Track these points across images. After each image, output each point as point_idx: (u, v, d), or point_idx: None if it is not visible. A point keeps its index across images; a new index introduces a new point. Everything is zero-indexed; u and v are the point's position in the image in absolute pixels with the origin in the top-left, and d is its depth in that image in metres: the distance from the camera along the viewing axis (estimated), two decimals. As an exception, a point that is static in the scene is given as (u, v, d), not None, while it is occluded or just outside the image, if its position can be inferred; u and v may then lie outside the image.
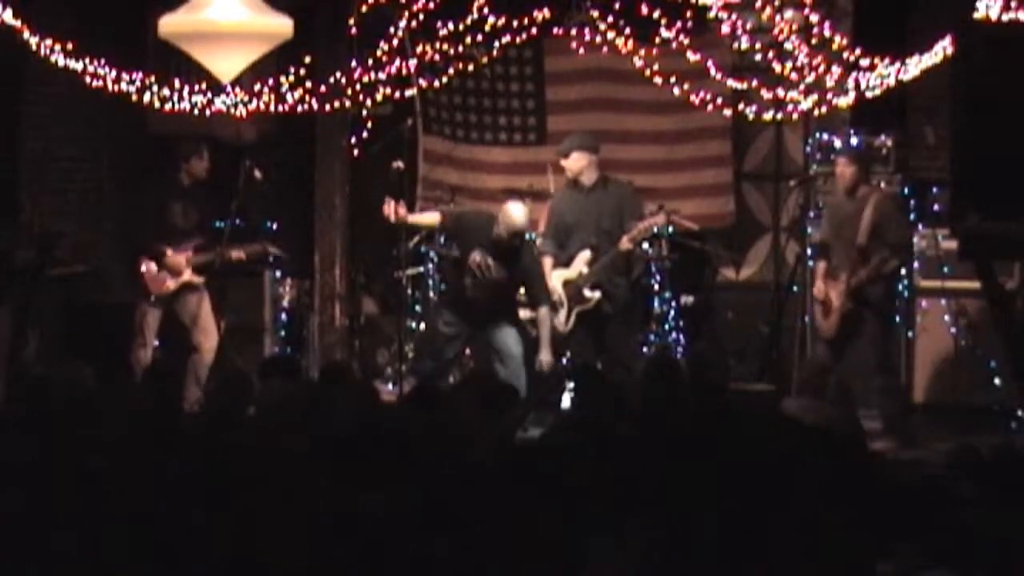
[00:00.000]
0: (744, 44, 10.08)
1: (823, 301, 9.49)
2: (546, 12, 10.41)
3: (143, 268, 9.90)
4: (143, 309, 9.95)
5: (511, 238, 9.40)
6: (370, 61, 10.31)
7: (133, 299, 10.08)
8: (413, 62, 10.52)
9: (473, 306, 9.55)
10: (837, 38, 9.68)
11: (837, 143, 10.56)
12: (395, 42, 10.34)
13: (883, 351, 9.51)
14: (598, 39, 10.51)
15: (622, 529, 4.50)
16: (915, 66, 9.30)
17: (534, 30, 10.49)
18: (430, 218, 9.90)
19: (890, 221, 9.44)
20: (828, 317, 9.46)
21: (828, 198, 10.02)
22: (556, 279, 9.80)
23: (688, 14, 10.06)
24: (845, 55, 9.56)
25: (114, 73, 10.04)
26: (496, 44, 10.46)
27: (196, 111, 10.20)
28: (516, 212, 9.44)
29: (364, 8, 10.36)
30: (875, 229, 9.35)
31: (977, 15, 8.40)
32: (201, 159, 10.00)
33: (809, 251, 10.36)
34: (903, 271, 10.22)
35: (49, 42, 9.85)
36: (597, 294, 9.72)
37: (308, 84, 10.22)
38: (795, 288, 10.59)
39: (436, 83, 11.02)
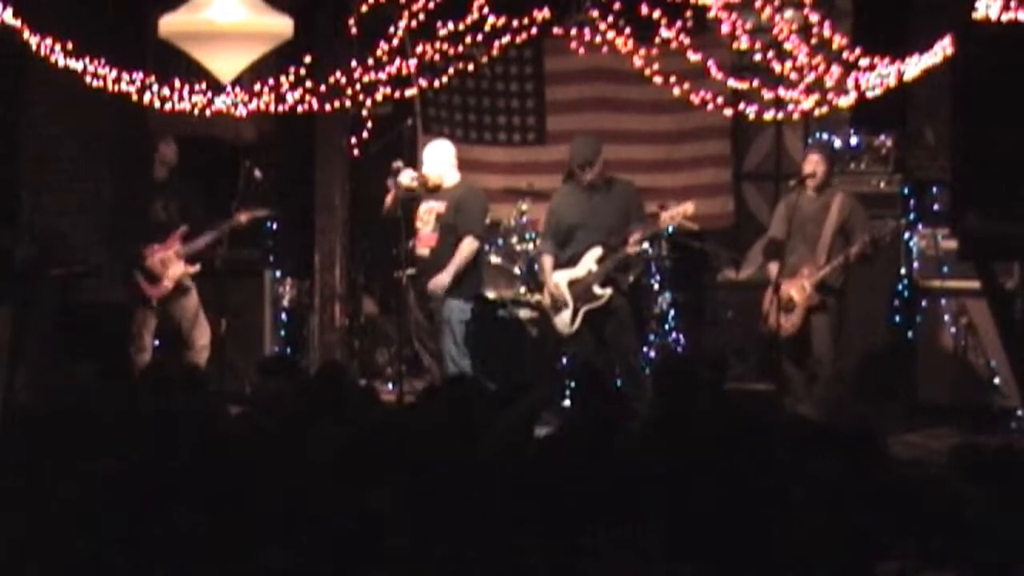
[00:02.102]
0: (744, 44, 10.07)
1: (787, 301, 9.49)
2: (546, 12, 10.40)
3: (137, 277, 9.98)
4: (140, 313, 9.98)
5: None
6: (370, 61, 10.30)
7: (130, 300, 10.14)
8: (413, 62, 10.51)
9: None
10: (837, 38, 9.67)
11: (837, 143, 10.57)
12: (395, 42, 10.33)
13: (835, 339, 9.53)
14: (598, 39, 10.51)
15: (624, 529, 4.50)
16: (915, 66, 9.29)
17: (534, 30, 10.48)
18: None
19: (856, 221, 9.54)
20: (790, 315, 9.46)
21: (787, 196, 9.94)
22: (560, 279, 9.78)
23: (688, 14, 10.06)
24: (845, 55, 9.55)
25: (114, 73, 10.04)
26: (496, 44, 10.45)
27: (196, 111, 10.20)
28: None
29: (364, 8, 10.36)
30: (841, 228, 9.49)
31: (977, 15, 8.40)
32: (168, 144, 10.13)
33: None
34: (903, 271, 10.27)
35: (49, 42, 9.84)
36: (608, 291, 9.69)
37: (308, 84, 10.22)
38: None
39: (436, 83, 11.02)
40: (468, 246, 9.69)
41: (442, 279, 9.61)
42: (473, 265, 9.87)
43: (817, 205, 9.59)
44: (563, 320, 9.77)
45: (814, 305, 9.49)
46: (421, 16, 10.30)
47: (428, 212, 9.79)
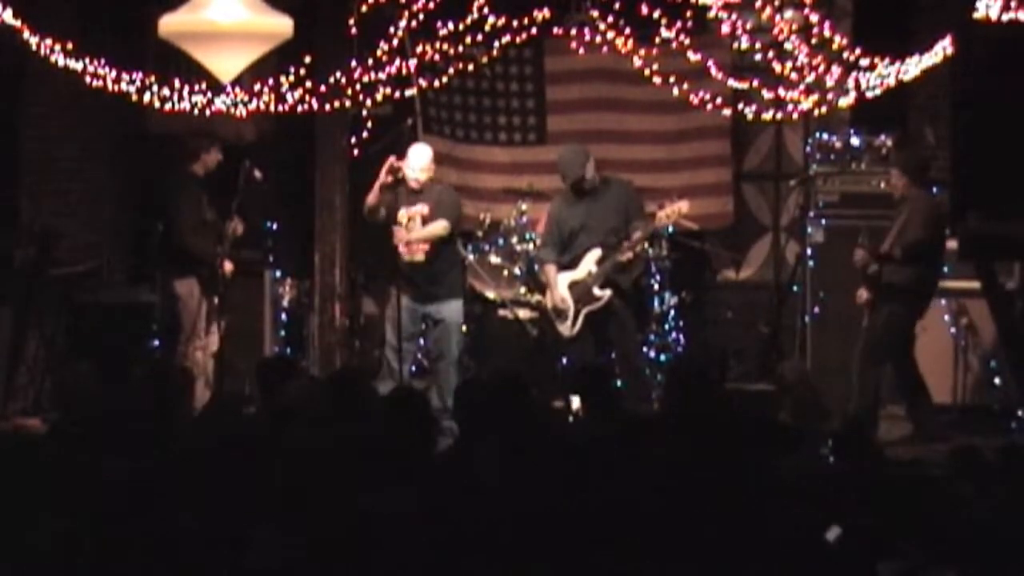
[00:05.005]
0: (744, 44, 10.08)
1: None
2: (546, 12, 10.40)
3: (205, 272, 9.87)
4: (191, 310, 9.88)
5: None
6: (370, 61, 10.30)
7: (139, 299, 10.15)
8: (413, 62, 10.51)
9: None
10: (837, 38, 9.68)
11: (837, 143, 10.56)
12: (395, 42, 10.33)
13: (868, 354, 9.37)
14: (598, 39, 10.51)
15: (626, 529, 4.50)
16: (915, 66, 9.30)
17: (534, 30, 10.49)
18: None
19: (912, 223, 9.34)
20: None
21: None
22: (562, 284, 9.79)
23: (688, 14, 10.06)
24: (845, 55, 9.56)
25: (114, 73, 10.03)
26: (496, 44, 10.45)
27: (196, 111, 10.20)
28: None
29: (364, 8, 10.35)
30: (901, 231, 9.32)
31: (977, 15, 8.40)
32: (216, 152, 10.01)
33: (809, 251, 10.37)
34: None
35: (49, 42, 9.84)
36: (608, 292, 9.70)
37: (308, 84, 10.21)
38: (795, 288, 10.61)
39: (436, 83, 11.02)
40: (441, 225, 9.72)
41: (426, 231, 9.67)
42: (463, 265, 9.93)
43: (902, 207, 9.47)
44: (565, 325, 9.79)
45: (865, 304, 9.39)
46: (421, 16, 10.30)
47: (412, 217, 9.78)
